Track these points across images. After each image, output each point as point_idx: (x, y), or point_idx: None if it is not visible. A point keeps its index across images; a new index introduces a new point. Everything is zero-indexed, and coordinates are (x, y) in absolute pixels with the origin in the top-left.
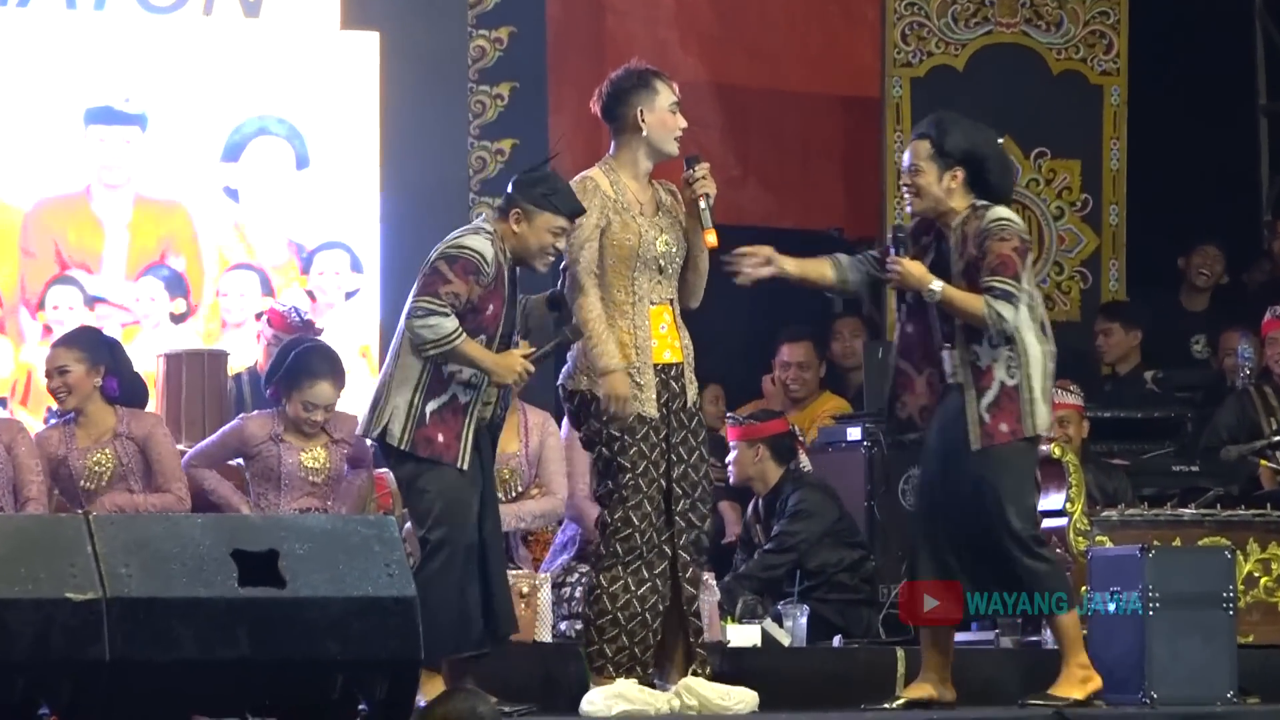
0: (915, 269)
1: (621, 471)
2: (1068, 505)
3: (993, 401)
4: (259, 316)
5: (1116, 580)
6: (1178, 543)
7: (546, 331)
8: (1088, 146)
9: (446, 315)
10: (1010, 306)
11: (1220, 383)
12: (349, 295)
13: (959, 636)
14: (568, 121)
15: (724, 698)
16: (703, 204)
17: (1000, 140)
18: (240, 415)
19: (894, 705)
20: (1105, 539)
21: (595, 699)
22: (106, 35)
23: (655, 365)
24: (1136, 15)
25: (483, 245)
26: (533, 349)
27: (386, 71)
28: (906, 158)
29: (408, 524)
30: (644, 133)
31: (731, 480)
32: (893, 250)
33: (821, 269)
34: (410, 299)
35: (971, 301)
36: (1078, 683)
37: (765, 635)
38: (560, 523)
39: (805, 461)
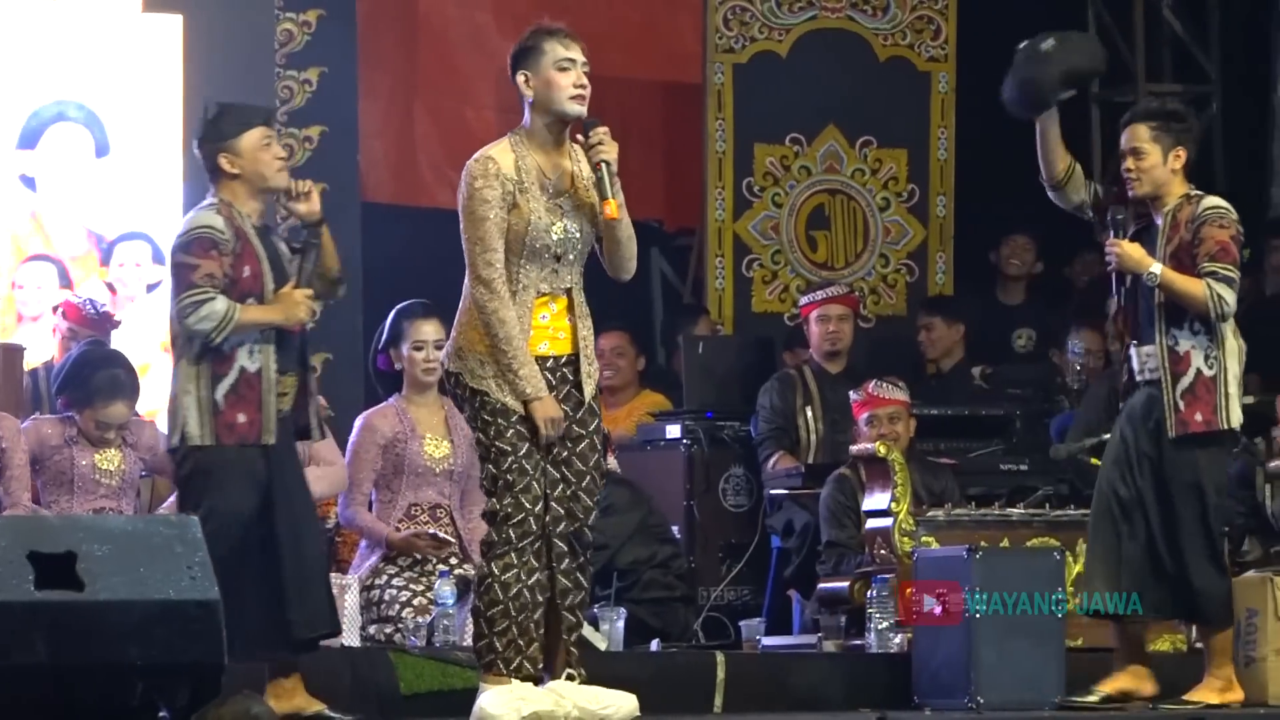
0: (1135, 251)
1: (503, 456)
2: (893, 505)
3: (1187, 388)
4: (56, 309)
5: None
6: (1006, 544)
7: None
8: (915, 135)
9: (213, 298)
10: (1232, 292)
11: (1051, 379)
12: (151, 288)
13: (781, 641)
14: (379, 107)
15: (595, 701)
16: (603, 170)
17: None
18: (32, 418)
19: (1090, 699)
20: (931, 540)
21: (494, 702)
22: None
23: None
24: (966, 1)
25: (207, 217)
26: (294, 278)
27: (190, 56)
28: (1125, 140)
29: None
30: (530, 98)
31: None
32: (1111, 233)
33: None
34: (172, 307)
35: (1192, 285)
36: (1217, 690)
37: (581, 639)
38: None
39: (612, 462)
